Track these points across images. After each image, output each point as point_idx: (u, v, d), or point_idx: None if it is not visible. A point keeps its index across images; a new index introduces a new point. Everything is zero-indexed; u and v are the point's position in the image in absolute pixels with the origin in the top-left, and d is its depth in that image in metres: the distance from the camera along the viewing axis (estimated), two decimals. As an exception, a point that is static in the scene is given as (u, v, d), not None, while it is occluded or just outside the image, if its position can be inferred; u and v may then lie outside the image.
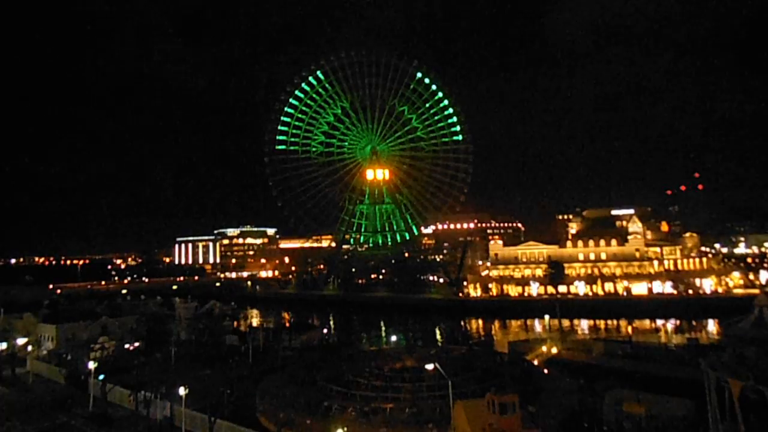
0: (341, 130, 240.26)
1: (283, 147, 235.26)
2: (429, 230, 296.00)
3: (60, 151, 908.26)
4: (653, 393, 49.48)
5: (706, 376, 39.25)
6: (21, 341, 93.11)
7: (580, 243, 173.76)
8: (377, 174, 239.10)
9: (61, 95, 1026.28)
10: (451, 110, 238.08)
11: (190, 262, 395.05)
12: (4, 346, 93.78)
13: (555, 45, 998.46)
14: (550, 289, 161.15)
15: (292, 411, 50.60)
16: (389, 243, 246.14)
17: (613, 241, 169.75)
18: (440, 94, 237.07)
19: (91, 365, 65.67)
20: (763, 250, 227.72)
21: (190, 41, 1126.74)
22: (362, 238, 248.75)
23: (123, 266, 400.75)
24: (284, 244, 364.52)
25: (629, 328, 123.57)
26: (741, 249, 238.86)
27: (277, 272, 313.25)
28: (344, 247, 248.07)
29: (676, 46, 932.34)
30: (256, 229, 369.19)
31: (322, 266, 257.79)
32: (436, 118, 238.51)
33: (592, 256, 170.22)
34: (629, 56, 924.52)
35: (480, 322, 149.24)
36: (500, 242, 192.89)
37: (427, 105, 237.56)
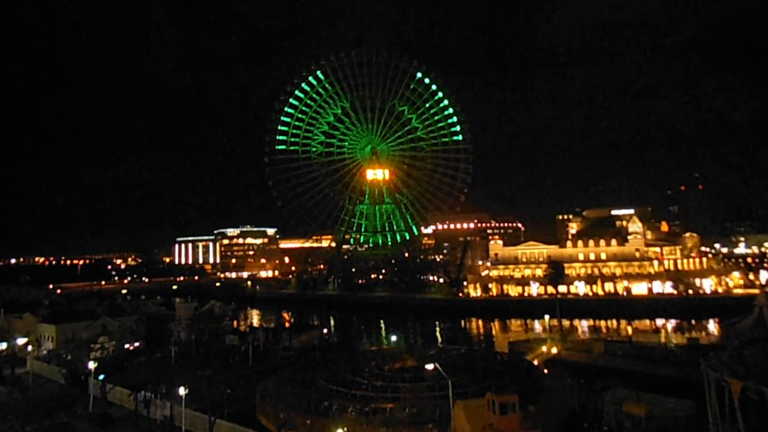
0: (341, 130, 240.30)
1: (283, 147, 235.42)
2: (429, 230, 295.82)
3: (60, 151, 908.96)
4: (653, 393, 49.54)
5: (706, 376, 39.17)
6: (21, 341, 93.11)
7: (580, 243, 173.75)
8: (377, 174, 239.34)
9: (61, 95, 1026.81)
10: (451, 110, 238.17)
11: (190, 262, 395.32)
12: (4, 346, 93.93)
13: (555, 44, 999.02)
14: (550, 289, 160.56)
15: (292, 411, 50.52)
16: (389, 243, 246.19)
17: (613, 241, 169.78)
18: (440, 94, 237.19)
19: (91, 365, 65.65)
20: (763, 250, 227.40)
21: (190, 41, 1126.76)
22: (362, 238, 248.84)
23: (123, 266, 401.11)
24: (284, 244, 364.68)
25: (629, 328, 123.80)
26: (741, 249, 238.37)
27: (277, 272, 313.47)
28: (344, 247, 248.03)
29: (676, 46, 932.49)
30: (256, 229, 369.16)
31: (322, 266, 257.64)
32: (436, 118, 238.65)
33: (592, 256, 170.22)
34: (629, 56, 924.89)
35: (480, 322, 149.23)
36: (500, 242, 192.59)
37: (427, 105, 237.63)
